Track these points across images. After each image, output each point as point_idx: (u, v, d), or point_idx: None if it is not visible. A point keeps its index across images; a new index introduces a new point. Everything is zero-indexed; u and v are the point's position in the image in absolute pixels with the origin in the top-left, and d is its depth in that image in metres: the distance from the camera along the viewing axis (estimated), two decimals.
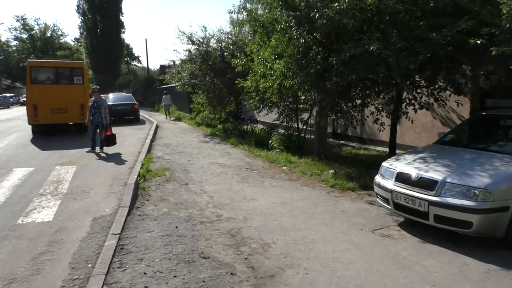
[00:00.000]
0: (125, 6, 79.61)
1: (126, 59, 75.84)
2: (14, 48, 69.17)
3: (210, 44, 16.61)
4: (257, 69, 10.46)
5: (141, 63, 74.65)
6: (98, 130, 10.97)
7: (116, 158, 10.01)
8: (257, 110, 13.07)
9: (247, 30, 11.64)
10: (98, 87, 11.31)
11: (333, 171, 8.03)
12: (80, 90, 15.08)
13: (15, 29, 69.20)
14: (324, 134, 9.90)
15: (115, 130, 17.99)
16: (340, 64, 7.14)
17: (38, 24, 71.37)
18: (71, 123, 15.42)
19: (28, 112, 14.54)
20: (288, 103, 11.49)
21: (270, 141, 11.38)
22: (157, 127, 18.24)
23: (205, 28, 16.68)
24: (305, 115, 12.08)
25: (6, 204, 6.18)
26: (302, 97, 8.26)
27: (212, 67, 16.14)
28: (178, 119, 23.26)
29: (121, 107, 20.05)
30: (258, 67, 10.44)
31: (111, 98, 21.43)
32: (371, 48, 6.29)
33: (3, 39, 67.85)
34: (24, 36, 70.19)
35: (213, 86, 16.12)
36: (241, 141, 12.97)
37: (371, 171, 7.97)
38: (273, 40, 9.10)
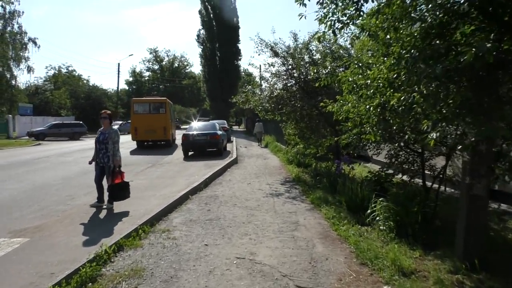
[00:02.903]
0: (243, 34, 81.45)
1: (248, 86, 76.29)
2: (146, 78, 74.92)
3: (304, 57, 12.20)
4: (344, 79, 5.79)
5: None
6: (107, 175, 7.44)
7: (107, 225, 6.21)
8: (355, 150, 8.23)
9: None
10: (108, 112, 7.75)
11: None
12: (163, 117, 21.62)
13: (148, 61, 75.21)
14: (482, 211, 4.60)
15: (187, 165, 14.69)
16: None
17: (168, 56, 76.63)
18: (158, 139, 21.99)
19: (131, 132, 21.80)
20: (401, 143, 6.35)
21: (371, 209, 6.36)
22: (232, 164, 14.41)
23: (295, 35, 12.43)
24: (439, 161, 6.83)
25: None
26: (434, 135, 3.28)
27: (301, 86, 11.74)
28: (265, 146, 23.82)
29: (200, 137, 16.74)
30: (347, 76, 5.79)
31: (191, 127, 18.46)
32: None
33: (137, 70, 74.15)
34: (156, 67, 75.77)
35: (300, 112, 11.67)
36: (328, 197, 8.21)
37: None
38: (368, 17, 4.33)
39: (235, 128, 62.50)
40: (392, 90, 4.34)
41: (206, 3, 52.55)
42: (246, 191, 9.19)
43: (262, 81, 13.18)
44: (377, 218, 6.08)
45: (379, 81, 4.37)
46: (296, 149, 15.05)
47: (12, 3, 41.89)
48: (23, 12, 42.92)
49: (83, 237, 5.62)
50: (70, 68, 60.31)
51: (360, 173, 11.68)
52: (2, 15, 42.96)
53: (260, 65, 55.68)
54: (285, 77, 12.24)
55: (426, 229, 5.70)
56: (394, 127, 4.74)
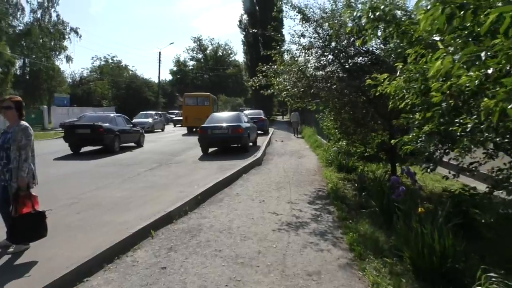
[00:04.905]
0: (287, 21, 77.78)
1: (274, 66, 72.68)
2: (190, 67, 73.45)
3: (345, 20, 8.74)
4: (422, 11, 2.51)
5: None
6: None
7: None
8: (429, 161, 4.83)
9: None
10: (16, 98, 4.74)
11: None
12: (207, 108, 26.57)
13: (192, 50, 73.62)
14: None
15: (199, 166, 11.75)
16: None
17: (212, 44, 74.62)
18: None
19: (183, 120, 28.92)
20: None
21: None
22: (253, 165, 11.32)
23: None
24: None
25: None
26: None
27: (340, 61, 8.37)
28: (302, 137, 23.12)
29: (220, 131, 13.72)
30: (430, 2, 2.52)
31: (212, 118, 15.44)
32: None
33: (181, 59, 72.85)
34: (199, 56, 74.09)
35: (340, 98, 8.29)
36: (379, 237, 4.95)
37: None
38: None
39: (279, 118, 59.24)
40: None
41: None
42: (252, 218, 6.07)
43: (287, 55, 9.74)
44: None
45: None
46: (337, 147, 11.68)
47: None
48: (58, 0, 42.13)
49: None
50: (115, 59, 59.86)
51: (423, 182, 8.22)
52: (41, 4, 42.61)
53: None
54: (320, 52, 8.88)
55: None
56: None
